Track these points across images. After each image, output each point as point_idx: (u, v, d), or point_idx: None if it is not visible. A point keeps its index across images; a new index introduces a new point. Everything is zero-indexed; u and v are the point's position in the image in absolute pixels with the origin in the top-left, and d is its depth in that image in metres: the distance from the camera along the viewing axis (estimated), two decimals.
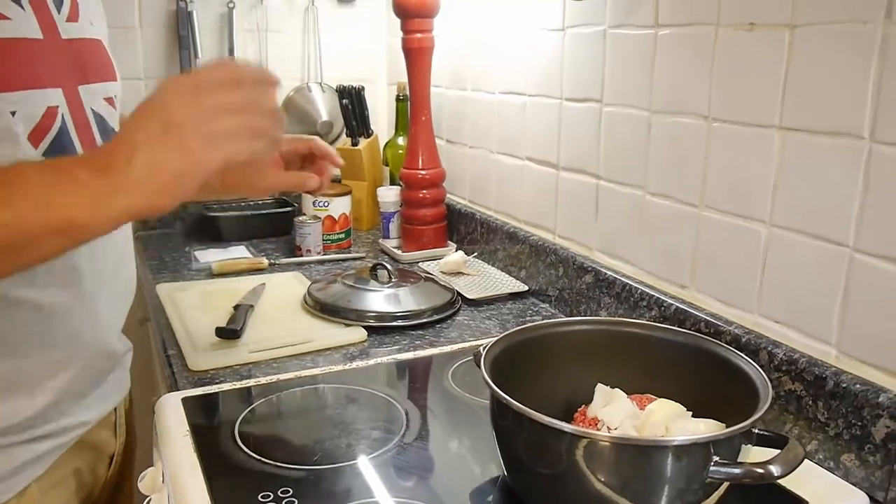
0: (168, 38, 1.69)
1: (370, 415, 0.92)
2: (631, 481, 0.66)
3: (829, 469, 0.80)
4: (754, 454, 0.68)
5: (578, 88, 1.18)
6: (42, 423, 0.77)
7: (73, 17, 0.78)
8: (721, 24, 0.90)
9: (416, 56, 1.47)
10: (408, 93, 1.56)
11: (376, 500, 0.74)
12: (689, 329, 0.93)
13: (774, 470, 0.64)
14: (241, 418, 0.89)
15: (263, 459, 0.80)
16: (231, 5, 1.72)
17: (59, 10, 0.77)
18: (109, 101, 0.83)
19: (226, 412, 0.92)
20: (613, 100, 1.11)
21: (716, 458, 0.65)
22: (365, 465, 0.80)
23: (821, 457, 0.80)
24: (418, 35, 1.45)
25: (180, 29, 1.67)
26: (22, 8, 0.71)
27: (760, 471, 0.64)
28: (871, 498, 0.75)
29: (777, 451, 0.65)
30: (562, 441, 0.66)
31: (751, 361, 0.75)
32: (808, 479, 0.78)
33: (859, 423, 0.76)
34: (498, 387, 0.70)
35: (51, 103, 0.72)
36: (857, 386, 0.76)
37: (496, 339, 0.80)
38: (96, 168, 0.59)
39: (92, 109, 0.79)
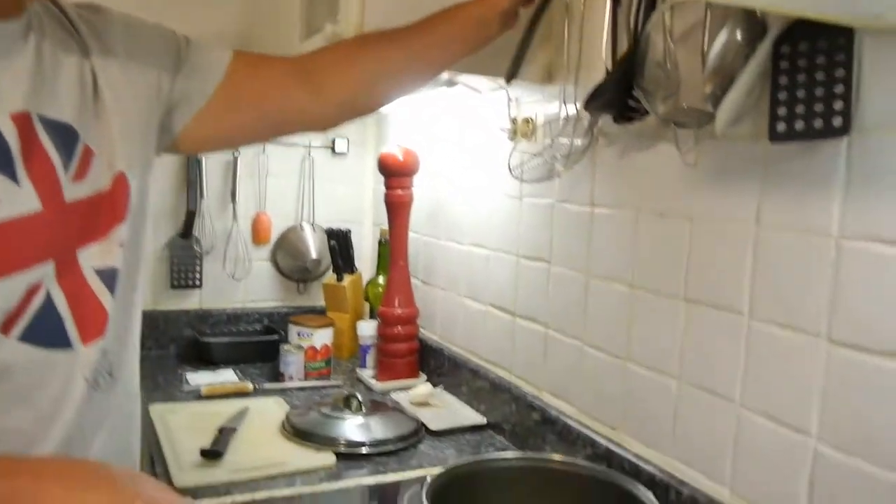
0: (178, 180, 1.90)
1: None
2: None
3: None
4: None
5: (532, 248, 1.37)
6: None
7: (82, 171, 0.76)
8: (641, 210, 1.10)
9: (397, 209, 1.68)
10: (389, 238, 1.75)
11: None
12: (614, 467, 1.07)
13: None
14: None
15: None
16: (236, 154, 1.94)
17: (66, 169, 0.74)
18: (121, 245, 0.81)
19: None
20: (559, 261, 1.29)
21: None
22: None
23: None
24: (399, 191, 1.66)
25: (189, 173, 1.88)
26: (17, 184, 0.69)
27: None
28: None
29: None
30: None
31: (649, 495, 0.90)
32: None
33: None
34: None
35: (33, 281, 0.71)
36: None
37: (440, 471, 0.95)
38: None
39: (95, 269, 0.77)
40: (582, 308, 1.23)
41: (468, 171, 1.60)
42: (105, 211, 0.79)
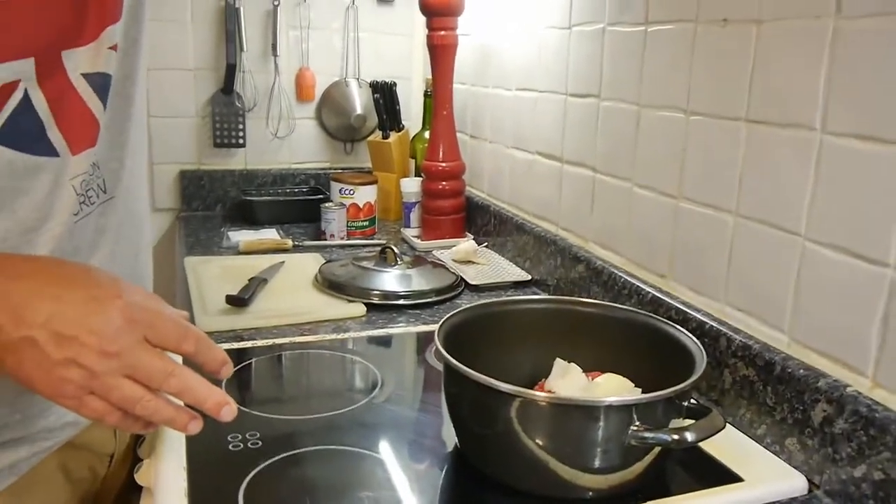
0: (216, 32, 1.81)
1: (348, 377, 0.99)
2: (557, 440, 0.70)
3: (774, 452, 0.81)
4: None
5: (581, 84, 1.22)
6: (16, 426, 0.71)
7: None
8: (699, 20, 0.94)
9: (440, 53, 1.54)
10: None
11: (336, 447, 0.80)
12: (662, 316, 0.96)
13: (689, 436, 0.67)
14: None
15: (242, 408, 0.87)
16: (276, 3, 1.82)
17: None
18: (113, 48, 0.73)
19: None
20: (609, 94, 1.15)
21: (637, 423, 0.68)
22: (334, 417, 0.87)
23: (768, 440, 0.82)
24: (442, 32, 1.52)
25: (228, 24, 1.78)
26: None
27: (676, 436, 0.67)
28: (809, 481, 0.77)
29: None
30: (497, 400, 0.70)
31: (692, 336, 0.79)
32: (754, 460, 0.80)
33: (801, 408, 0.78)
34: (455, 356, 0.73)
35: (8, 78, 0.64)
36: (801, 371, 0.78)
37: (457, 310, 0.86)
38: None
39: (82, 74, 0.70)
40: (632, 144, 1.09)
41: (512, 6, 1.44)
42: (94, 10, 0.70)
